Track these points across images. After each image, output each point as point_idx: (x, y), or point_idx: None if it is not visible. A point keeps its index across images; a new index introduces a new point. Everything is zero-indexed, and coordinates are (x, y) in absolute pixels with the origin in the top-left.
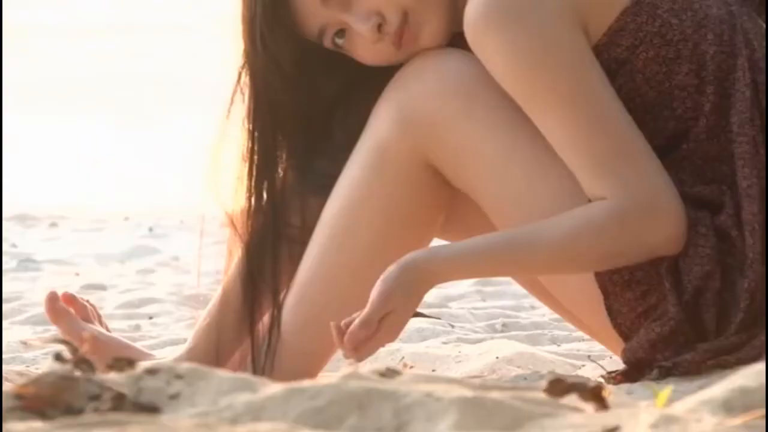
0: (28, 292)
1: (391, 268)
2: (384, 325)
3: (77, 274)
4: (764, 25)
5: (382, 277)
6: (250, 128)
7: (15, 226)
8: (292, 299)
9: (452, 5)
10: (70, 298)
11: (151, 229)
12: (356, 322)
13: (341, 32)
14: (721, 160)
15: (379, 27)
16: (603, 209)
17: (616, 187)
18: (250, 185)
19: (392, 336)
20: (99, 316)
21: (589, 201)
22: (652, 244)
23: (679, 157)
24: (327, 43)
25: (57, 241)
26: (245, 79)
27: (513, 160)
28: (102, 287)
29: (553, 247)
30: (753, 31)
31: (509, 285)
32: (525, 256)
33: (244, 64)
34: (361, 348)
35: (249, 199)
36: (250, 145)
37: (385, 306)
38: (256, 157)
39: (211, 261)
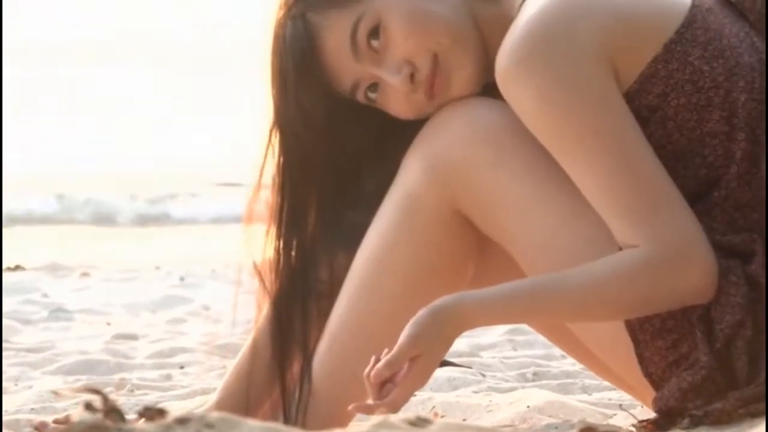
0: (60, 342)
1: (422, 312)
2: (413, 368)
3: (108, 324)
4: None
5: (412, 320)
6: (280, 184)
7: (46, 276)
8: (322, 348)
9: (484, 51)
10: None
11: (182, 279)
12: (383, 361)
13: (374, 86)
14: (753, 208)
15: (412, 77)
16: (634, 257)
17: (647, 235)
18: (279, 241)
19: (421, 380)
20: None
21: (620, 248)
22: (683, 293)
23: (710, 204)
24: (360, 97)
25: (88, 290)
26: (276, 136)
27: (543, 207)
28: (133, 337)
29: (583, 293)
30: None
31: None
32: (554, 302)
33: (275, 122)
34: (390, 395)
35: (278, 254)
36: (279, 200)
37: (413, 348)
38: (285, 213)
39: (242, 310)
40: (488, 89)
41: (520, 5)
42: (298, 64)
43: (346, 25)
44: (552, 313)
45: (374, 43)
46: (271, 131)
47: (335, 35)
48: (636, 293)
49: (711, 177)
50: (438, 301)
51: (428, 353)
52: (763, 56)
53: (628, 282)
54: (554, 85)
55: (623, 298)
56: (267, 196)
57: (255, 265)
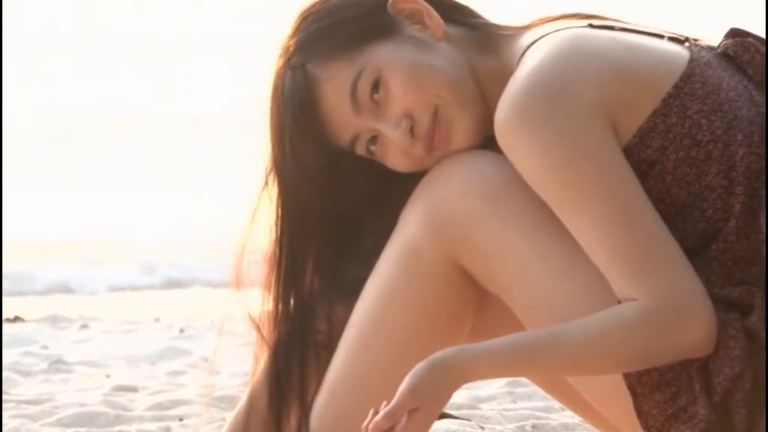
0: (59, 394)
1: (421, 365)
2: (411, 421)
3: (108, 376)
4: None
5: (411, 372)
6: (278, 235)
7: (46, 328)
8: (320, 400)
9: (483, 104)
10: None
11: (182, 331)
12: (381, 413)
13: (374, 139)
14: (751, 261)
15: (411, 131)
16: (633, 311)
17: (647, 289)
18: (278, 292)
19: None
20: None
21: (619, 302)
22: (682, 347)
23: (709, 258)
24: (359, 150)
25: (88, 342)
26: (273, 185)
27: (542, 261)
28: (133, 389)
29: (582, 347)
30: None
31: None
32: (553, 356)
33: (271, 170)
34: None
35: (276, 305)
36: (277, 252)
37: (412, 400)
38: (283, 264)
39: (239, 362)
40: (487, 142)
41: (519, 58)
42: (297, 115)
43: (346, 79)
44: (551, 367)
45: (374, 96)
46: (266, 180)
47: (335, 88)
48: (635, 347)
49: (710, 231)
50: (437, 354)
51: (427, 406)
52: (762, 109)
53: (627, 336)
54: (554, 139)
55: (622, 351)
56: (262, 247)
57: (252, 317)
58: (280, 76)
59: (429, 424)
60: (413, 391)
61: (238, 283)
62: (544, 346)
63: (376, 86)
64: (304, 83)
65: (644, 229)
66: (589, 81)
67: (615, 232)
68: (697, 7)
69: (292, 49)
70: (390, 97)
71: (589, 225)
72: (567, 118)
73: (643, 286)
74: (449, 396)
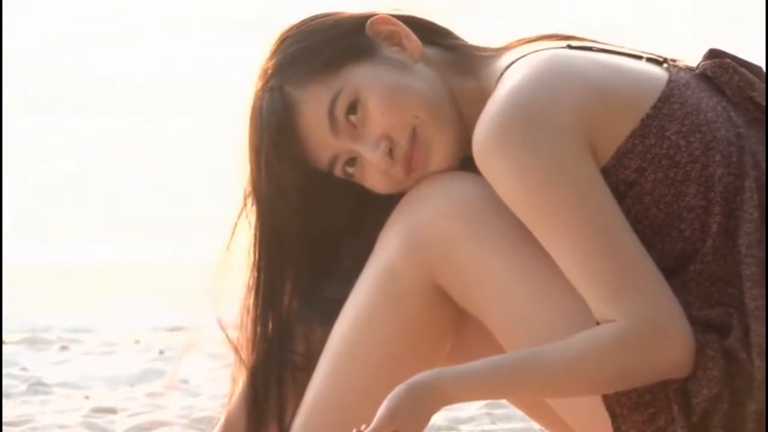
0: (38, 416)
1: (399, 388)
2: None
3: (87, 398)
4: None
5: (389, 395)
6: (256, 257)
7: (25, 349)
8: (299, 422)
9: (461, 125)
10: None
11: (161, 352)
12: None
13: (352, 161)
14: (729, 282)
15: (390, 152)
16: (611, 332)
17: (625, 311)
18: (256, 314)
19: None
20: None
21: (598, 323)
22: (660, 368)
23: (687, 278)
24: (338, 172)
25: (67, 364)
26: (251, 207)
27: (520, 282)
28: (112, 410)
29: (561, 369)
30: (761, 153)
31: None
32: (532, 378)
33: (250, 192)
34: None
35: (254, 326)
36: (255, 275)
37: (391, 423)
38: (261, 285)
39: (219, 384)
40: (465, 162)
41: (498, 79)
42: (275, 137)
43: (324, 100)
44: (530, 389)
45: (352, 118)
46: (245, 201)
47: (313, 109)
48: (614, 368)
49: (687, 251)
50: (416, 377)
51: (406, 428)
52: (740, 130)
53: (605, 357)
54: (532, 161)
55: (601, 373)
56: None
57: (230, 339)
58: (259, 98)
59: None
60: (392, 414)
61: (216, 304)
62: (523, 368)
63: (353, 108)
64: (282, 105)
65: (622, 251)
66: (567, 102)
67: (593, 253)
68: (697, 8)
69: (270, 71)
70: (368, 119)
71: (567, 246)
72: (545, 139)
73: (621, 308)
74: (428, 419)
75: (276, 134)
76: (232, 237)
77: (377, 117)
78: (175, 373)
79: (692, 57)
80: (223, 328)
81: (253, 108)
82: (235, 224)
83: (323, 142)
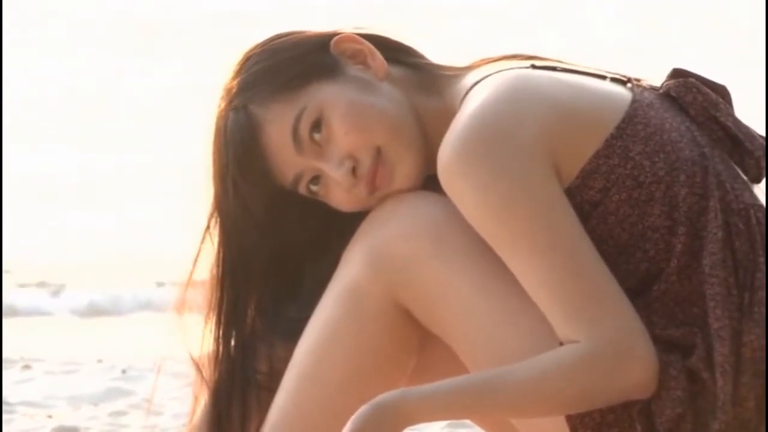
0: None
1: (363, 408)
2: None
3: (50, 417)
4: (735, 167)
5: (353, 416)
6: (220, 275)
7: None
8: None
9: (425, 144)
10: None
11: (124, 371)
12: None
13: (316, 179)
14: (693, 302)
15: (354, 171)
16: (574, 353)
17: (588, 331)
18: (218, 333)
19: None
20: None
21: (561, 344)
22: (623, 389)
23: (651, 298)
24: (302, 190)
25: (30, 383)
26: (215, 226)
27: (484, 302)
28: (75, 429)
29: (525, 390)
30: (725, 173)
31: None
32: (495, 399)
33: (214, 211)
34: None
35: (217, 345)
36: (218, 293)
37: None
38: (224, 304)
39: (181, 402)
40: (429, 181)
41: (462, 98)
42: (239, 156)
43: (288, 119)
44: (494, 409)
45: (316, 136)
46: (209, 221)
47: (277, 128)
48: (577, 389)
49: (652, 271)
50: (379, 398)
51: None
52: (704, 150)
53: (569, 378)
54: (496, 181)
55: (564, 394)
56: (201, 286)
57: (193, 357)
58: (223, 118)
59: None
60: None
61: (179, 323)
62: (487, 389)
63: (317, 126)
64: (246, 124)
65: (586, 272)
66: (531, 122)
67: (556, 274)
68: (697, 8)
69: (234, 90)
70: (332, 138)
71: (530, 267)
72: (509, 159)
73: (584, 329)
74: None
75: (241, 154)
76: (197, 258)
77: (341, 136)
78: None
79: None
80: (187, 349)
81: (218, 127)
82: (200, 245)
83: (288, 161)
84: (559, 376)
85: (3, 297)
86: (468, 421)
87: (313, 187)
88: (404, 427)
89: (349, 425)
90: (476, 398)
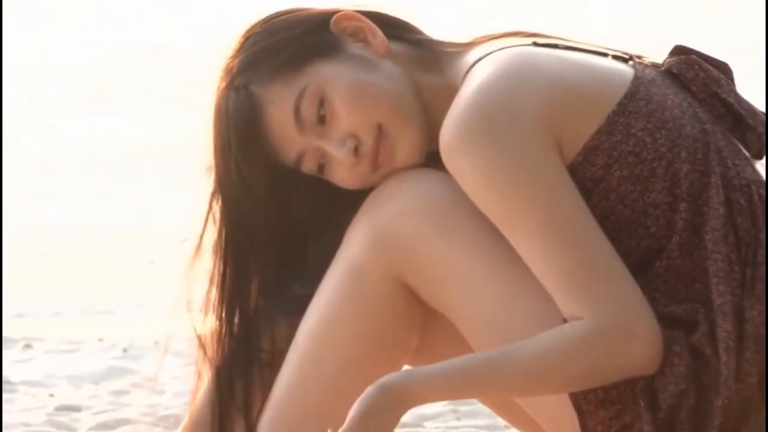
0: (4, 414)
1: (369, 390)
2: None
3: (52, 396)
4: (737, 144)
5: (359, 398)
6: (223, 254)
7: None
8: (265, 417)
9: (427, 121)
10: None
11: (125, 350)
12: None
13: (319, 158)
14: (695, 278)
15: (356, 149)
16: (578, 330)
17: (592, 309)
18: (222, 311)
19: None
20: None
21: (565, 321)
22: (627, 365)
23: (653, 275)
24: (305, 169)
25: (31, 362)
26: (217, 205)
27: (488, 280)
28: (76, 408)
29: (529, 369)
30: (727, 149)
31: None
32: (500, 378)
33: (215, 191)
34: None
35: (220, 322)
36: (221, 271)
37: (361, 428)
38: (228, 281)
39: (183, 382)
40: (431, 158)
41: (464, 75)
42: (241, 136)
43: (289, 99)
44: (499, 389)
45: (318, 115)
46: (212, 199)
47: (279, 108)
48: (581, 367)
49: (653, 247)
50: (384, 379)
51: (376, 430)
52: (706, 126)
53: (573, 356)
54: (499, 159)
55: (569, 372)
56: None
57: (196, 335)
58: (224, 97)
59: None
60: (362, 417)
61: (184, 302)
62: (491, 369)
63: (319, 105)
64: (247, 105)
65: (589, 249)
66: (533, 100)
67: (560, 251)
68: (698, 8)
69: (234, 69)
70: (334, 116)
71: (534, 244)
72: (511, 137)
73: (587, 306)
74: (398, 419)
75: (242, 134)
76: (201, 238)
77: (343, 115)
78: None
79: (660, 54)
80: (193, 327)
81: (218, 107)
82: (204, 225)
83: (290, 140)
84: (563, 354)
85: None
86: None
87: (316, 166)
88: (409, 407)
89: (354, 407)
90: (480, 378)
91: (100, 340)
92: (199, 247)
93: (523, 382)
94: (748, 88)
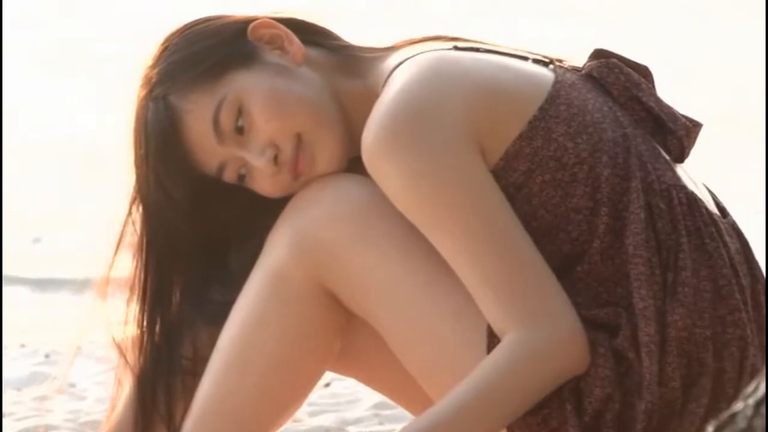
0: None
1: None
2: None
3: None
4: (658, 148)
5: None
6: (144, 262)
7: None
8: (189, 424)
9: (347, 127)
10: None
11: (47, 356)
12: None
13: (240, 167)
14: (617, 282)
15: (276, 158)
16: (509, 349)
17: (520, 318)
18: (143, 318)
19: None
20: None
21: (488, 324)
22: (563, 370)
23: (575, 279)
24: (227, 178)
25: None
26: (137, 211)
27: (409, 284)
28: None
29: (478, 407)
30: (647, 153)
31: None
32: (455, 427)
33: (135, 198)
34: None
35: (141, 330)
36: (143, 278)
37: None
38: (149, 289)
39: (105, 387)
40: (353, 163)
41: (385, 80)
42: (161, 147)
43: (208, 109)
44: None
45: (237, 126)
46: (131, 206)
47: (198, 119)
48: (522, 383)
49: (575, 252)
50: None
51: None
52: (626, 131)
53: (511, 376)
54: (421, 164)
55: (513, 394)
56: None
57: (116, 342)
58: (143, 108)
59: None
60: None
61: (102, 308)
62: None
63: (238, 115)
64: (166, 115)
65: (513, 254)
66: (455, 104)
67: (485, 255)
68: (697, 7)
69: (154, 79)
70: (252, 126)
71: (458, 249)
72: (433, 141)
73: (515, 315)
74: None
75: (161, 145)
76: (119, 243)
77: (262, 124)
78: (65, 377)
79: (580, 58)
80: (110, 333)
81: (138, 117)
82: (122, 231)
83: (210, 151)
84: (502, 378)
85: None
86: (393, 402)
87: (237, 175)
88: None
89: None
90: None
91: (22, 345)
92: (116, 252)
93: (480, 424)
94: (746, 88)
